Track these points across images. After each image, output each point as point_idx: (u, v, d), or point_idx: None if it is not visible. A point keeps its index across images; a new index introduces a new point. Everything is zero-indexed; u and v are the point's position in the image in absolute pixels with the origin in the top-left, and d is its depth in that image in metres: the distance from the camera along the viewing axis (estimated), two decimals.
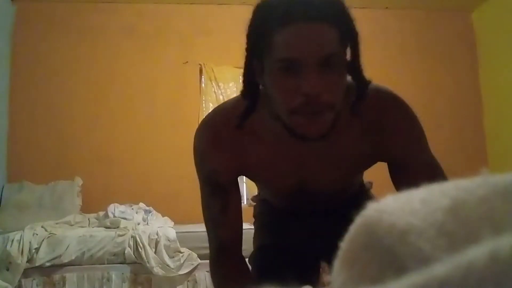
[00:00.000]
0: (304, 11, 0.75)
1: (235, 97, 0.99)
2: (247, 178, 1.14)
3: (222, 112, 1.00)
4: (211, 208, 1.01)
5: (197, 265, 2.85)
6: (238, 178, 1.04)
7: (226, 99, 3.99)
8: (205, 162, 1.01)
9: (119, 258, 2.81)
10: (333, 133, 0.84)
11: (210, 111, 1.05)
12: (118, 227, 2.98)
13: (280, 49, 0.76)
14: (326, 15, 0.75)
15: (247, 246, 1.14)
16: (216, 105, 4.37)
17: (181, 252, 2.86)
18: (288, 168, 0.96)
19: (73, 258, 2.75)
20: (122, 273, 2.80)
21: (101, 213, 3.27)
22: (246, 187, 3.65)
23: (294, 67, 0.76)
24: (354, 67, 0.83)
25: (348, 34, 0.79)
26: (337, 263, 0.20)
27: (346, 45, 0.80)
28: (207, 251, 1.05)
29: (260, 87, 0.89)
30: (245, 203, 3.26)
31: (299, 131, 0.81)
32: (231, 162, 0.97)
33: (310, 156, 0.93)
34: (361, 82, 0.85)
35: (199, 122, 3.86)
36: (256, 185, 1.22)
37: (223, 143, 0.96)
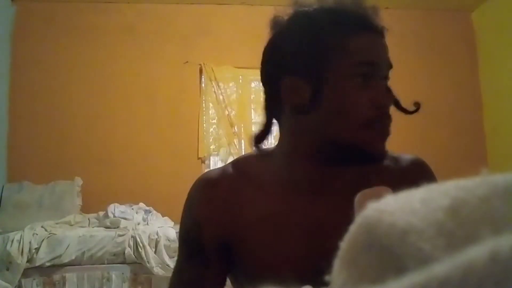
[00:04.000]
0: (375, 22, 0.73)
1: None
2: None
3: (231, 162, 0.84)
4: (182, 274, 0.79)
5: None
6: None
7: (226, 99, 4.03)
8: (191, 212, 0.80)
9: (119, 258, 2.81)
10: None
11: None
12: (118, 227, 2.99)
13: (362, 52, 0.69)
14: (385, 31, 0.74)
15: None
16: (216, 105, 4.37)
17: None
18: (299, 232, 0.74)
19: (73, 258, 2.76)
20: (122, 273, 2.80)
21: (101, 213, 3.27)
22: None
23: (370, 76, 0.70)
24: None
25: None
26: (336, 263, 0.20)
27: None
28: None
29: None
30: None
31: (368, 149, 0.70)
32: (222, 215, 0.76)
33: (334, 212, 0.72)
34: None
35: (199, 122, 3.89)
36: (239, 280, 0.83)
37: (218, 190, 0.78)
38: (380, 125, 0.70)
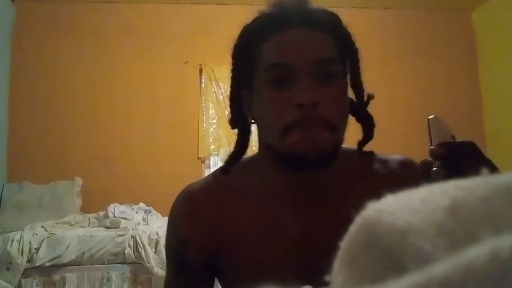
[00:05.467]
0: (296, 18, 0.68)
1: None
2: None
3: (212, 174, 0.82)
4: None
5: None
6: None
7: (226, 99, 4.02)
8: (174, 228, 0.81)
9: (119, 258, 2.81)
10: (343, 186, 0.73)
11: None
12: (118, 227, 2.98)
13: (270, 56, 0.67)
14: (321, 23, 0.68)
15: None
16: (216, 105, 4.34)
17: None
18: (287, 242, 0.73)
19: (73, 258, 2.76)
20: (122, 273, 2.80)
21: (101, 213, 3.27)
22: None
23: (285, 77, 0.66)
24: (354, 88, 0.73)
25: (346, 48, 0.71)
26: (336, 263, 0.20)
27: (345, 61, 0.71)
28: None
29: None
30: None
31: (295, 151, 0.66)
32: (206, 231, 0.75)
33: (318, 221, 0.72)
34: (362, 106, 0.74)
35: (199, 122, 3.89)
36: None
37: (200, 205, 0.77)
38: (303, 125, 0.64)
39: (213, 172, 0.82)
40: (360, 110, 0.74)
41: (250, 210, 0.74)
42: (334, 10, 0.74)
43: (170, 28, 4.06)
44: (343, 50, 0.70)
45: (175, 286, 0.79)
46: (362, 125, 0.76)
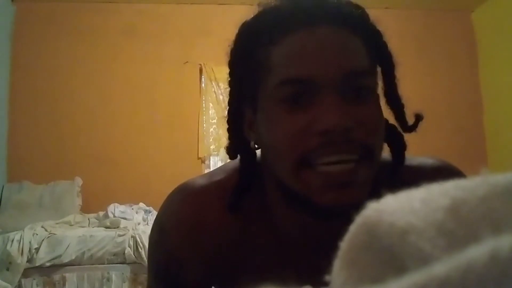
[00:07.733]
0: (315, 12, 0.51)
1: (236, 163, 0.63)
2: None
3: (216, 184, 0.63)
4: None
5: None
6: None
7: (226, 99, 4.00)
8: (167, 246, 0.63)
9: (119, 258, 2.81)
10: None
11: (199, 178, 0.68)
12: (118, 227, 2.99)
13: (282, 67, 0.51)
14: (349, 19, 0.53)
15: None
16: (216, 105, 4.33)
17: None
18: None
19: (73, 258, 2.76)
20: (122, 273, 2.80)
21: (101, 213, 3.27)
22: None
23: (304, 95, 0.50)
24: (391, 104, 0.58)
25: (378, 52, 0.56)
26: (337, 263, 0.20)
27: (375, 69, 0.56)
28: None
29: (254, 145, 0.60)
30: None
31: (316, 197, 0.50)
32: (209, 259, 0.61)
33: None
34: (402, 126, 0.58)
35: (199, 122, 3.90)
36: None
37: (205, 229, 0.61)
38: (330, 152, 0.49)
39: (219, 184, 0.64)
40: (396, 133, 0.59)
41: (265, 237, 0.60)
42: None
43: (170, 28, 4.06)
44: (374, 54, 0.55)
45: None
46: (391, 149, 0.60)
